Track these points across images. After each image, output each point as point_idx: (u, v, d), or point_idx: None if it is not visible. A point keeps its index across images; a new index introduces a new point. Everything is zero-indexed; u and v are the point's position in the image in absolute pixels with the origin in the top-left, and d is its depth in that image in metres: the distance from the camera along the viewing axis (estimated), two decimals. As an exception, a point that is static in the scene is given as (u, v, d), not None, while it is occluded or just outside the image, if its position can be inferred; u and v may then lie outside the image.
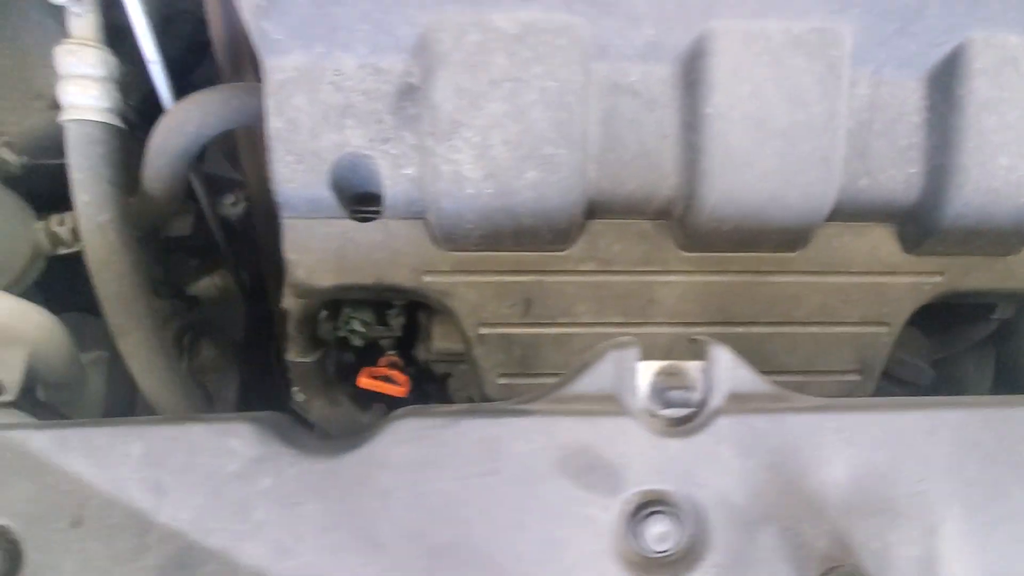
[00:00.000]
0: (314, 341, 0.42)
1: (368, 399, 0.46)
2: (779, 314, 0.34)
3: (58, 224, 0.40)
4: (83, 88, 0.35)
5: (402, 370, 0.42)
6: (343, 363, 0.50)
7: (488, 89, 0.28)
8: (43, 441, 0.25)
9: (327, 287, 0.32)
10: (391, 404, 0.46)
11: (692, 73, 0.29)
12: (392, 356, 0.43)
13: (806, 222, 0.31)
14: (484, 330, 0.33)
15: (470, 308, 0.33)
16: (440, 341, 0.41)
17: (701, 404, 0.22)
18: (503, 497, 0.22)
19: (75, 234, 0.41)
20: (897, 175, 0.32)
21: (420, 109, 0.29)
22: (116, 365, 0.50)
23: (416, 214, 0.31)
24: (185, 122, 0.34)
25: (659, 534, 0.22)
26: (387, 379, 0.41)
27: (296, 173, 0.30)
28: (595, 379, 0.23)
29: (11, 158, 0.39)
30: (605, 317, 0.33)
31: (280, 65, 0.29)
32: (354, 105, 0.29)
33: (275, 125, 0.29)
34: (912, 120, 0.32)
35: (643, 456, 0.22)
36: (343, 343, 0.44)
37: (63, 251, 0.39)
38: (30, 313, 0.34)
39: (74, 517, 0.25)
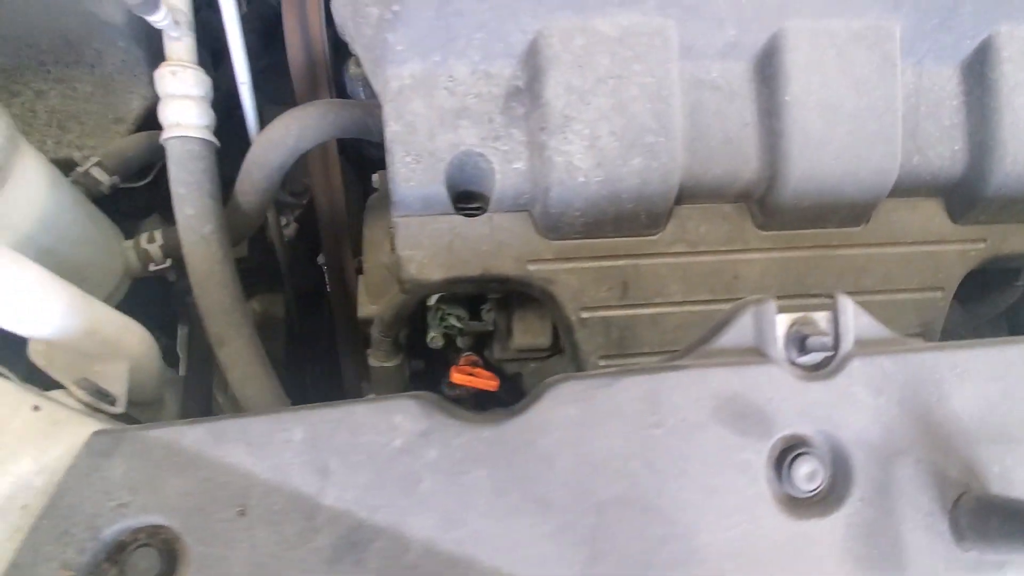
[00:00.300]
0: (396, 346, 0.43)
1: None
2: (849, 284, 0.37)
3: (148, 242, 0.41)
4: (184, 107, 0.37)
5: (484, 367, 0.44)
6: (415, 369, 0.50)
7: (594, 86, 0.31)
8: (197, 435, 0.26)
9: (437, 280, 0.34)
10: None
11: (769, 68, 0.32)
12: (472, 356, 0.44)
13: (873, 196, 0.34)
14: (585, 314, 0.35)
15: (572, 293, 0.34)
16: (521, 337, 0.43)
17: (834, 349, 0.25)
18: (666, 448, 0.24)
19: (164, 251, 0.41)
20: (944, 152, 0.36)
21: (528, 108, 0.32)
22: (188, 384, 0.49)
23: (521, 207, 0.33)
24: (285, 136, 0.36)
25: (807, 474, 0.24)
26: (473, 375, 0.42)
27: (414, 172, 0.31)
28: (737, 333, 0.25)
29: (102, 178, 0.40)
30: (694, 295, 0.36)
31: (398, 74, 0.31)
32: (467, 108, 0.31)
33: (393, 129, 0.31)
34: (952, 103, 0.36)
35: (788, 401, 0.24)
36: (415, 350, 0.46)
37: (152, 268, 0.39)
38: (133, 328, 0.34)
39: (238, 507, 0.25)
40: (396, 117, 0.31)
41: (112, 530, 0.23)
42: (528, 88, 0.31)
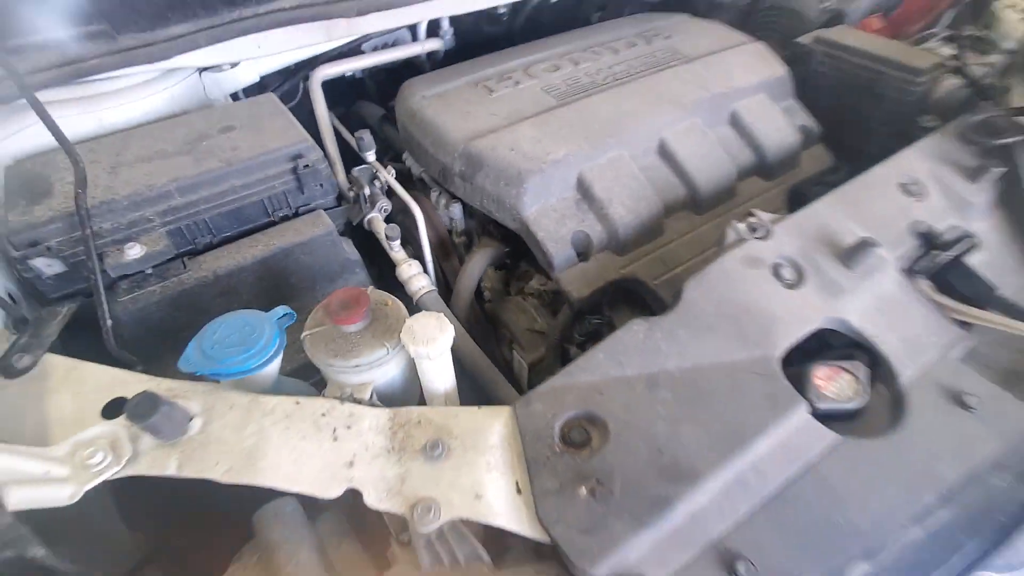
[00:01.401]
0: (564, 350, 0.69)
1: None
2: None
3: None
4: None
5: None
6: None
7: (612, 183, 0.67)
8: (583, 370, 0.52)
9: (585, 294, 0.64)
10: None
11: (665, 154, 0.72)
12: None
13: (728, 184, 0.75)
14: (655, 283, 0.67)
15: (645, 275, 0.67)
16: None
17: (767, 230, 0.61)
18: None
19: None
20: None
21: (588, 203, 0.66)
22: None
23: (604, 247, 0.67)
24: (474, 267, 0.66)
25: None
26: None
27: (558, 247, 0.63)
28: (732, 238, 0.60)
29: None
30: (694, 253, 0.71)
31: (533, 211, 0.64)
32: (565, 214, 0.65)
33: (540, 235, 0.64)
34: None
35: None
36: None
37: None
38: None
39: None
40: (540, 227, 0.64)
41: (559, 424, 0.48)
42: (585, 196, 0.67)
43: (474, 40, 0.90)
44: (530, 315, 0.72)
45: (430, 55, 0.88)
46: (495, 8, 0.87)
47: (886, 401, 0.54)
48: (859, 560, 0.43)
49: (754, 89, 0.79)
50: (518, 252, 0.73)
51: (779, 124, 0.78)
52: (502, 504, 0.42)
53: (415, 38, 0.86)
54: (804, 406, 0.49)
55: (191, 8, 0.62)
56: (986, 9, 0.92)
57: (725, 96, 0.76)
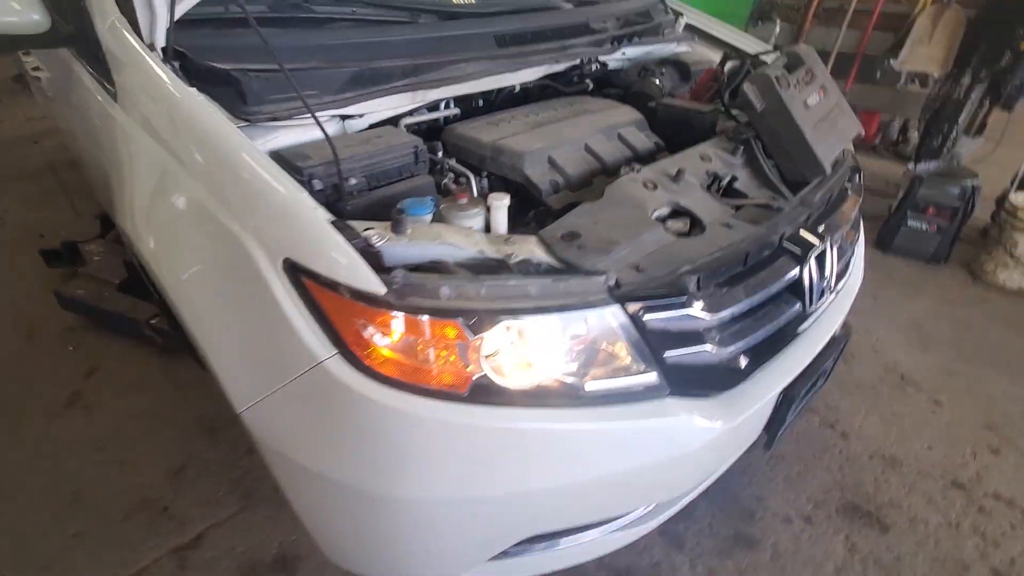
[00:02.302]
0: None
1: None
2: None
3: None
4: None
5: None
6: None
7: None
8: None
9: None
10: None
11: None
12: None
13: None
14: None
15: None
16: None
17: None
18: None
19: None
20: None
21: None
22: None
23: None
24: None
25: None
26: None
27: (543, 186, 1.29)
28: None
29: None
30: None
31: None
32: (543, 171, 1.32)
33: (533, 180, 1.29)
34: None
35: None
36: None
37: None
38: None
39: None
40: (533, 177, 1.29)
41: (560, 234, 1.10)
42: (552, 165, 1.34)
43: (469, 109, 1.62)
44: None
45: (447, 117, 1.58)
46: (489, 91, 1.59)
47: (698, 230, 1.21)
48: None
49: (628, 123, 1.54)
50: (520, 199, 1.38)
51: (642, 138, 1.52)
52: (544, 258, 1.03)
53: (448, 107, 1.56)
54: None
55: (358, 85, 1.28)
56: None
57: (614, 126, 1.50)
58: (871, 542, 1.66)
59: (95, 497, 1.74)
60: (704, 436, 1.07)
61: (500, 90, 1.57)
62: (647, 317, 0.98)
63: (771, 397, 1.17)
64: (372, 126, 1.35)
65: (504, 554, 1.11)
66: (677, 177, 1.26)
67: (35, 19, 1.38)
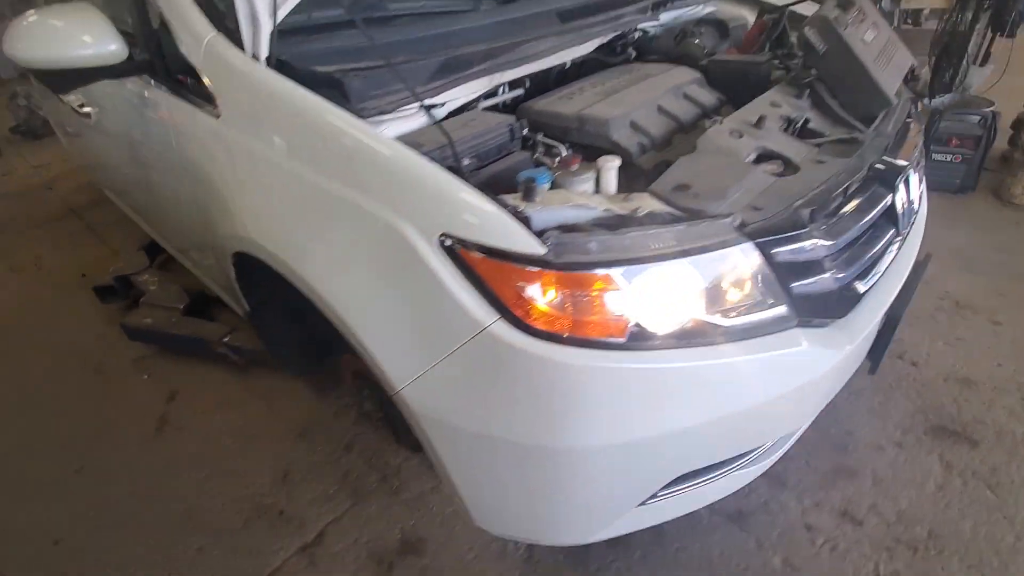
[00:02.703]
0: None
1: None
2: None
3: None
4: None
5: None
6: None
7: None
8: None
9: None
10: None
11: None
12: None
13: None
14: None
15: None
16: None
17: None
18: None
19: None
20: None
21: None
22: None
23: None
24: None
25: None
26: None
27: (632, 149, 1.34)
28: None
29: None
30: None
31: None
32: (627, 135, 1.36)
33: (622, 143, 1.34)
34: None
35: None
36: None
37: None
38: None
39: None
40: (621, 141, 1.34)
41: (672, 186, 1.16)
42: (634, 128, 1.39)
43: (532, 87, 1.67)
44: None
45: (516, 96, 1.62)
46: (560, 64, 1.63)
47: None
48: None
49: (690, 82, 1.59)
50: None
51: (705, 94, 1.57)
52: (666, 209, 1.08)
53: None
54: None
55: (442, 74, 1.33)
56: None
57: (679, 85, 1.55)
58: (964, 457, 1.72)
59: (208, 511, 1.79)
60: (830, 362, 1.12)
61: (550, 67, 1.62)
62: (774, 251, 1.03)
63: (878, 320, 1.23)
64: (451, 113, 1.39)
65: (652, 497, 1.16)
66: (759, 123, 1.31)
67: (111, 50, 1.42)
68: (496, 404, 1.00)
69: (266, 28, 1.12)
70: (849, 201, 1.17)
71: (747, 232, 1.02)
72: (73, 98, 2.20)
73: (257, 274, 1.57)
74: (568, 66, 1.69)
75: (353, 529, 1.69)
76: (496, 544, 1.53)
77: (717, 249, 0.99)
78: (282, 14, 1.15)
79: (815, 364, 1.11)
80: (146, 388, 2.32)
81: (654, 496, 1.16)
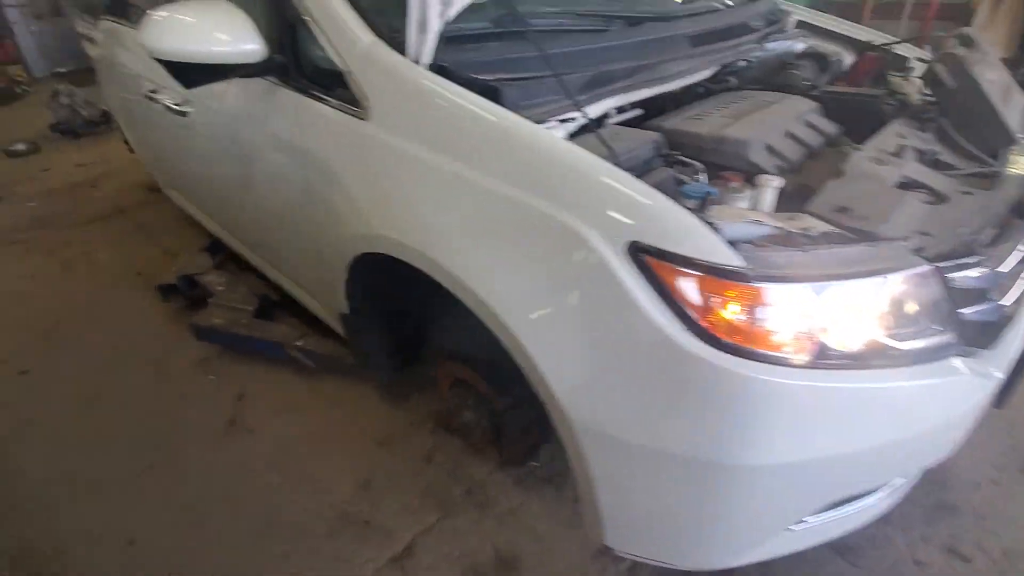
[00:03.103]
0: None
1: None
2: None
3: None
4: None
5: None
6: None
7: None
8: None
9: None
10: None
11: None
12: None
13: None
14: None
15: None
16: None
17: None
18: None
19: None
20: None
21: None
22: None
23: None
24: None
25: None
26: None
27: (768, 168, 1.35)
28: None
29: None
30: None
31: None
32: (764, 155, 1.38)
33: (760, 164, 1.35)
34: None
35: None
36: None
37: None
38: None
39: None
40: (758, 161, 1.35)
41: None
42: (769, 151, 1.40)
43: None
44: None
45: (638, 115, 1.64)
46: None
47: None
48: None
49: (809, 111, 1.61)
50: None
51: (825, 123, 1.60)
52: (834, 230, 1.08)
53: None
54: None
55: (590, 88, 1.35)
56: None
57: (801, 113, 1.58)
58: (1063, 498, 1.70)
59: (289, 517, 1.75)
60: (983, 391, 1.11)
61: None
62: (948, 276, 1.03)
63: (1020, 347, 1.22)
64: (582, 128, 1.41)
65: (800, 522, 1.13)
66: (899, 153, 1.32)
67: (249, 48, 1.44)
68: (670, 416, 0.98)
69: (432, 34, 1.14)
70: (1006, 231, 1.18)
71: (926, 256, 1.02)
72: (167, 97, 2.22)
73: (369, 278, 1.57)
74: (677, 90, 1.72)
75: (443, 543, 1.65)
76: (596, 563, 1.50)
77: (901, 271, 0.99)
78: (452, 15, 1.17)
79: (972, 393, 1.10)
80: (212, 389, 2.29)
81: (802, 521, 1.13)
